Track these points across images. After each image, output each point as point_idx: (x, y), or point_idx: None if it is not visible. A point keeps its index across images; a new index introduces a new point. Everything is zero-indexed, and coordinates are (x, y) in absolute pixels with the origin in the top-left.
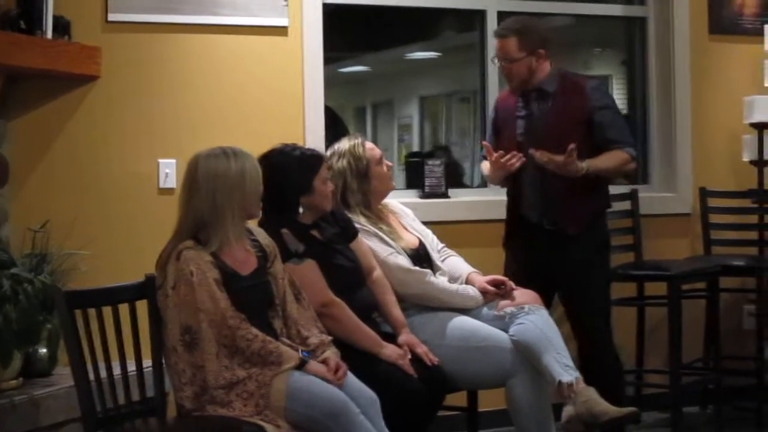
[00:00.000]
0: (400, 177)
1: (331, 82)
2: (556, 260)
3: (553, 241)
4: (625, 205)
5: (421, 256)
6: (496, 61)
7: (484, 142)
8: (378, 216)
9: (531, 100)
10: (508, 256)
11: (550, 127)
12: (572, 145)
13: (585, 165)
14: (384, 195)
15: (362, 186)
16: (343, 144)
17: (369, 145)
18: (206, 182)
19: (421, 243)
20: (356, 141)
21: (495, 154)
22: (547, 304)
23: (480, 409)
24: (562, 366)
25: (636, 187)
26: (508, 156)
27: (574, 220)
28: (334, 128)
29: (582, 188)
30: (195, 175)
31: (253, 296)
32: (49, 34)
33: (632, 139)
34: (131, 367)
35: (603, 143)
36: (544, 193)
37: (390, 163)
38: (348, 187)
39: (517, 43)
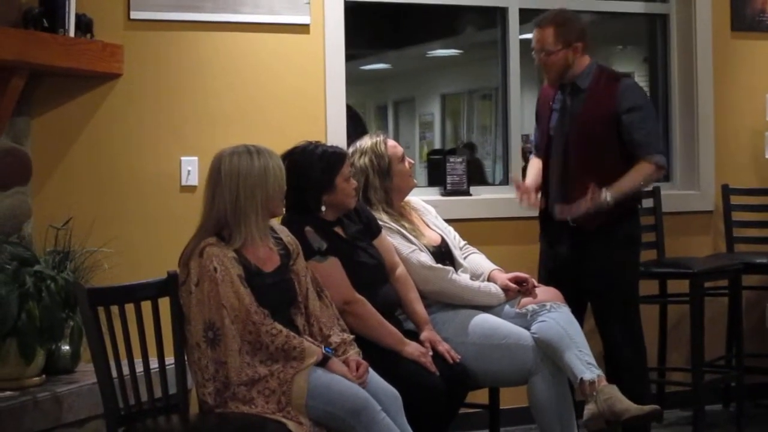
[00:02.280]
0: (421, 174)
1: (352, 80)
2: (580, 256)
3: (576, 238)
4: (648, 202)
5: (443, 254)
6: (533, 53)
7: (513, 177)
8: (400, 213)
9: (566, 95)
10: (540, 251)
11: (580, 124)
12: (591, 185)
13: (609, 195)
14: (406, 192)
15: (384, 183)
16: (365, 141)
17: (391, 142)
18: (229, 180)
19: (443, 240)
20: (378, 138)
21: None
22: (579, 300)
23: (501, 407)
24: (584, 363)
25: (658, 185)
26: (518, 196)
27: (593, 216)
28: (355, 127)
29: (605, 179)
30: (219, 172)
31: (275, 293)
32: (72, 33)
33: (660, 144)
34: (153, 363)
35: (630, 147)
36: (567, 190)
37: (412, 161)
38: (370, 184)
39: (554, 34)
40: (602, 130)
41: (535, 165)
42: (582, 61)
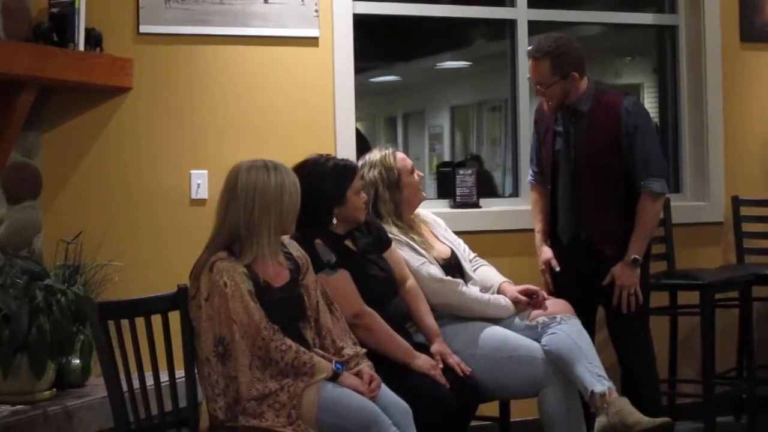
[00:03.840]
0: (431, 187)
1: (362, 92)
2: (591, 275)
3: (587, 258)
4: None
5: (452, 266)
6: (530, 80)
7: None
8: (410, 226)
9: (567, 118)
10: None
11: (585, 148)
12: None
13: (636, 257)
14: (415, 205)
15: (394, 196)
16: (375, 154)
17: (400, 155)
18: (245, 194)
19: (452, 253)
20: (387, 151)
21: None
22: (589, 311)
23: (512, 419)
24: (595, 376)
25: (668, 196)
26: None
27: (608, 240)
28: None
29: (616, 208)
30: (235, 185)
31: (285, 308)
32: (81, 47)
33: (659, 166)
34: (164, 377)
35: (627, 169)
36: (578, 214)
37: (421, 173)
38: (380, 197)
39: (550, 67)
40: (608, 153)
41: (539, 208)
42: (580, 86)
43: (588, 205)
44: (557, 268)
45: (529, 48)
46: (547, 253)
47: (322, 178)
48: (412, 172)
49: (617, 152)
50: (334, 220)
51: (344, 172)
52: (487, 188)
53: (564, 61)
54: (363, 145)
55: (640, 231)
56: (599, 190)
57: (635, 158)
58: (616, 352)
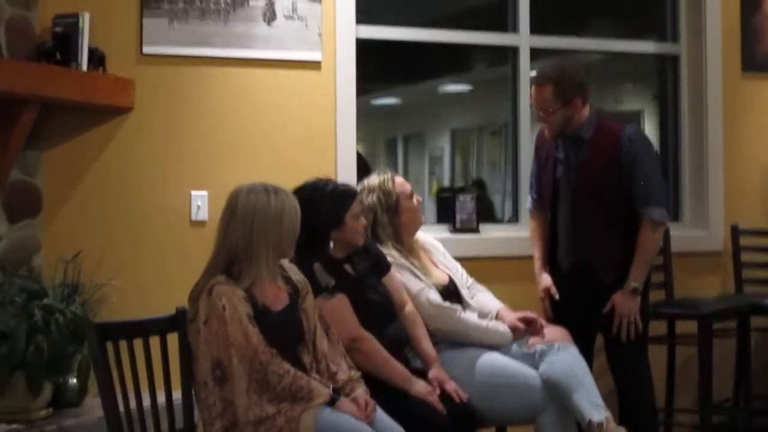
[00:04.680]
0: (431, 210)
1: (363, 114)
2: (590, 302)
3: (587, 285)
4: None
5: (450, 293)
6: (533, 106)
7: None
8: (409, 250)
9: (568, 146)
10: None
11: (586, 176)
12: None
13: (636, 285)
14: (415, 229)
15: (392, 220)
16: (373, 179)
17: (399, 179)
18: (244, 216)
19: (450, 280)
20: (386, 176)
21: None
22: (587, 339)
23: None
24: (593, 405)
25: (667, 225)
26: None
27: (608, 268)
28: (360, 170)
29: (617, 236)
30: (234, 207)
31: (283, 332)
32: (84, 66)
33: (659, 194)
34: (161, 398)
35: (630, 199)
36: (578, 241)
37: (420, 198)
38: (378, 222)
39: (552, 93)
40: (609, 181)
41: (538, 235)
42: (582, 113)
43: (588, 232)
44: (557, 296)
45: (533, 73)
46: (546, 280)
47: (321, 202)
48: (411, 196)
49: (618, 180)
50: (332, 244)
51: (343, 196)
52: (486, 213)
53: (567, 87)
54: (363, 167)
55: (640, 259)
56: (599, 218)
57: (636, 186)
58: (614, 379)
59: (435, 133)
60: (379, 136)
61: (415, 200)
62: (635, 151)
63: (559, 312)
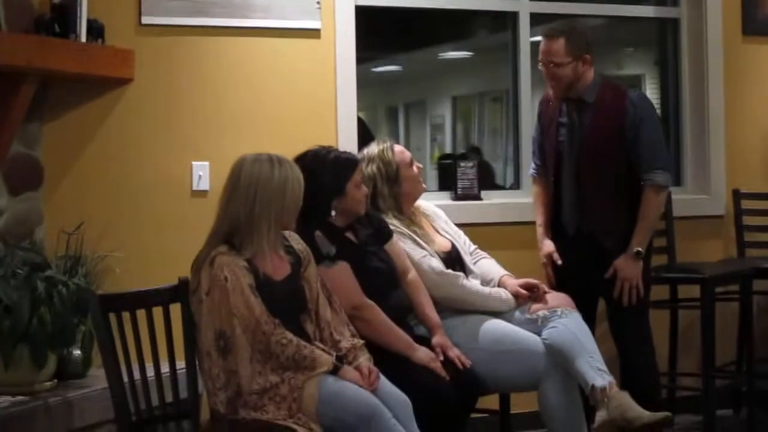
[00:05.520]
0: (432, 178)
1: (363, 82)
2: (593, 268)
3: (590, 250)
4: None
5: (453, 260)
6: (540, 66)
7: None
8: (410, 219)
9: (572, 109)
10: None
11: (589, 140)
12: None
13: (638, 248)
14: (415, 198)
15: (393, 190)
16: (372, 149)
17: (398, 148)
18: (247, 186)
19: (453, 246)
20: (385, 145)
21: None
22: (589, 305)
23: (512, 412)
24: (595, 370)
25: (669, 190)
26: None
27: (611, 232)
28: (362, 135)
29: (620, 201)
30: (238, 177)
31: (285, 302)
32: (83, 38)
33: (663, 159)
34: (164, 368)
35: (634, 163)
36: (582, 206)
37: (420, 165)
38: (378, 192)
39: (564, 46)
40: (613, 146)
41: (540, 201)
42: (588, 75)
43: (591, 197)
44: (559, 262)
45: (533, 39)
46: (549, 246)
47: (322, 170)
48: (411, 164)
49: (621, 144)
50: (333, 213)
51: (344, 164)
52: (488, 179)
53: (578, 42)
54: (366, 134)
55: (643, 223)
56: (602, 182)
57: (640, 151)
58: (616, 344)
59: (436, 101)
60: (381, 104)
61: (415, 168)
62: (640, 116)
63: (562, 277)
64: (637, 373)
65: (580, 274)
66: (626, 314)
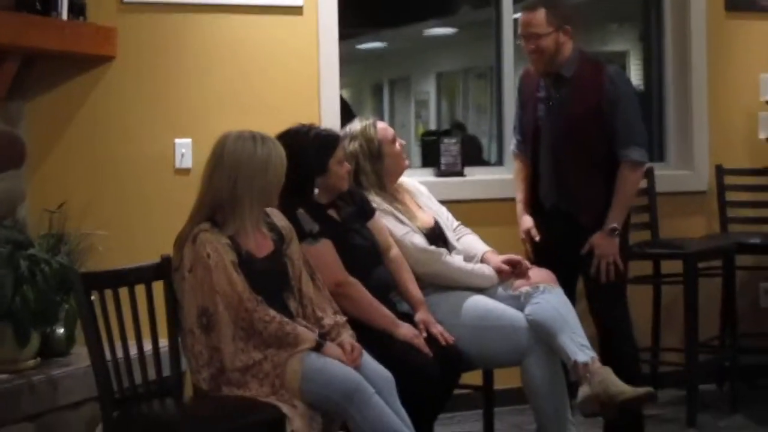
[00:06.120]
0: (416, 154)
1: (348, 59)
2: (571, 244)
3: (567, 226)
4: (641, 183)
5: (436, 236)
6: (520, 40)
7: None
8: (393, 196)
9: (550, 84)
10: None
11: (568, 116)
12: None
13: (615, 224)
14: (398, 174)
15: (375, 167)
16: (355, 125)
17: (381, 125)
18: (230, 163)
19: (436, 223)
20: (368, 122)
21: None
22: (570, 281)
23: (495, 388)
24: (578, 345)
25: (652, 165)
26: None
27: (588, 209)
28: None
29: (597, 177)
30: (221, 154)
31: (269, 279)
32: (65, 16)
33: (640, 135)
34: (147, 346)
35: (611, 139)
36: (559, 182)
37: (403, 142)
38: (361, 169)
39: (545, 16)
40: (590, 121)
41: (521, 177)
42: (567, 48)
43: (569, 172)
44: (537, 238)
45: (516, 15)
46: (527, 222)
47: (304, 148)
48: (393, 141)
49: (599, 119)
50: (316, 190)
51: (326, 141)
52: (473, 155)
53: (558, 12)
54: (347, 113)
55: (619, 200)
56: (579, 158)
57: (617, 126)
58: (594, 321)
59: (421, 77)
60: (365, 81)
61: (398, 145)
62: (617, 91)
63: (540, 254)
64: (616, 349)
65: (558, 251)
66: (603, 291)
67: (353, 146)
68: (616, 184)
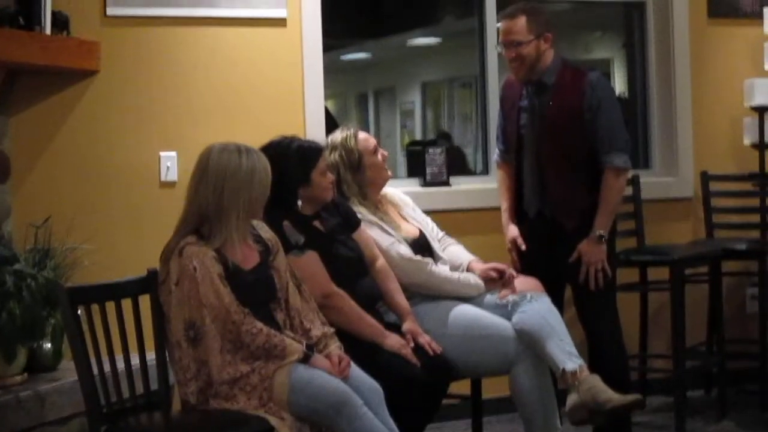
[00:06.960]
0: (402, 164)
1: (333, 70)
2: (557, 252)
3: (552, 234)
4: (627, 190)
5: (421, 246)
6: (501, 48)
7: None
8: (376, 206)
9: (532, 92)
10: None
11: (550, 123)
12: (580, 249)
13: (601, 232)
14: (381, 185)
15: (356, 177)
16: (336, 136)
17: (362, 135)
18: (215, 176)
19: (421, 233)
20: (348, 132)
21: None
22: (557, 289)
23: (484, 397)
24: (566, 353)
25: (637, 172)
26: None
27: (571, 215)
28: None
29: (581, 183)
30: (206, 167)
31: (255, 291)
32: (48, 30)
33: (622, 141)
34: (135, 360)
35: (591, 143)
36: (542, 189)
37: (385, 153)
38: (342, 179)
39: (526, 24)
40: (573, 128)
41: (505, 186)
42: (548, 55)
43: (552, 180)
44: (523, 247)
45: (503, 11)
46: (513, 231)
47: (287, 160)
48: (375, 152)
49: (581, 126)
50: (300, 202)
51: (308, 152)
52: (458, 164)
53: (539, 20)
54: (332, 123)
55: (604, 206)
56: (563, 165)
57: (599, 133)
58: (583, 328)
59: (406, 87)
60: (350, 92)
61: (380, 156)
62: (598, 97)
63: (527, 262)
64: (606, 357)
65: (544, 258)
66: (592, 298)
67: (333, 157)
68: (601, 192)
